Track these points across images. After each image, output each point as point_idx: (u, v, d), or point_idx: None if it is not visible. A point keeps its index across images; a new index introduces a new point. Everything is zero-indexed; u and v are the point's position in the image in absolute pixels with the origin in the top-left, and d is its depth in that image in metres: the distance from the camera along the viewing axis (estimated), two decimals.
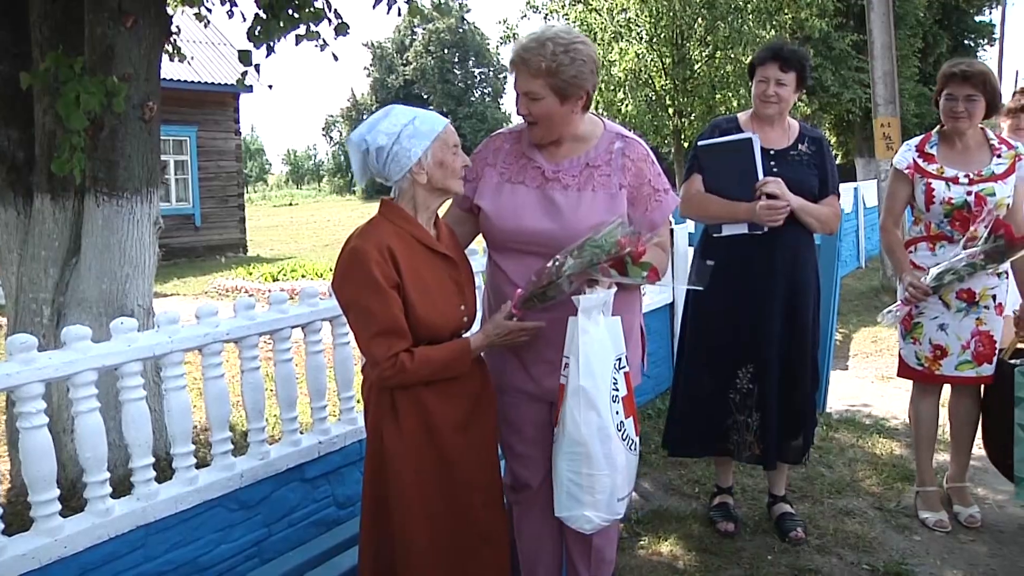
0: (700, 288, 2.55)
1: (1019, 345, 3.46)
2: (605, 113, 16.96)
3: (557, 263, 2.13)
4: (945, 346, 3.42)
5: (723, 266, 3.33)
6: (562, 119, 2.34)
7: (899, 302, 3.46)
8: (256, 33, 4.29)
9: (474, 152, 2.52)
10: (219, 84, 17.36)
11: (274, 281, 12.74)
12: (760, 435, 3.38)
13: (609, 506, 2.15)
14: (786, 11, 15.37)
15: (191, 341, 2.58)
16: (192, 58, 7.48)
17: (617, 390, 2.13)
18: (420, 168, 2.15)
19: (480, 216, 2.46)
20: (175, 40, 5.69)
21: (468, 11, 60.19)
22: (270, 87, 7.40)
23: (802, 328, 3.37)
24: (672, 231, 3.33)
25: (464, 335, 2.26)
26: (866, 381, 6.02)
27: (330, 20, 4.49)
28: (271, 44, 4.42)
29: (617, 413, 2.12)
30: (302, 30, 4.62)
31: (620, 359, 2.16)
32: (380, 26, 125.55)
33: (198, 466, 2.68)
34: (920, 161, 3.44)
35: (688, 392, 3.52)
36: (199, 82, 16.89)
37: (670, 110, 16.13)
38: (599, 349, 2.09)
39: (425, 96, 53.17)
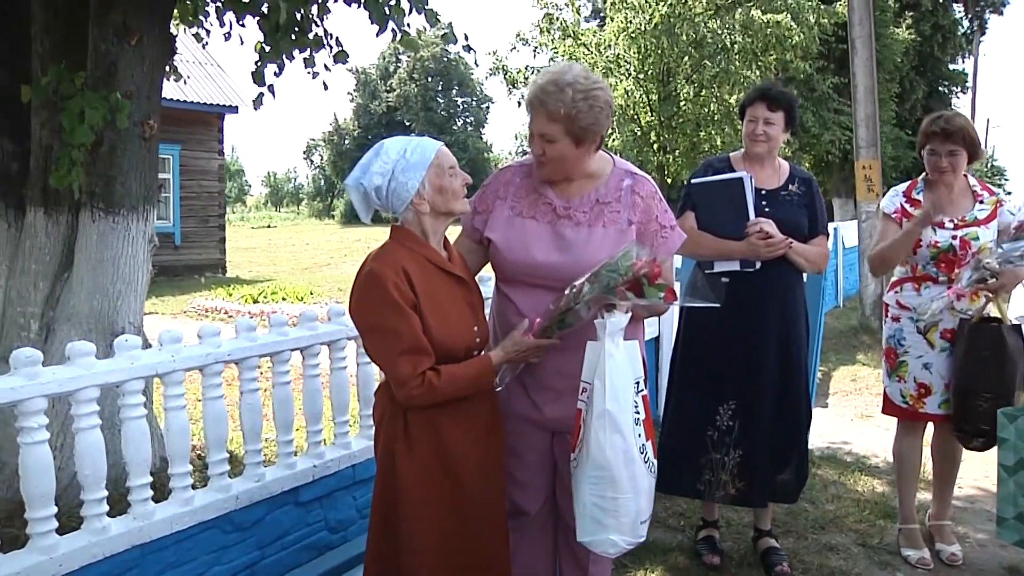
0: (717, 305, 2.45)
1: (988, 312, 3.48)
2: None
3: (574, 289, 2.17)
4: (929, 384, 3.49)
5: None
6: (574, 161, 2.38)
7: (943, 295, 3.42)
8: (265, 51, 4.32)
9: (484, 184, 2.56)
10: (205, 104, 17.34)
11: (254, 303, 12.67)
12: (738, 473, 3.38)
13: (633, 529, 2.16)
14: (771, 52, 15.67)
15: (193, 360, 2.59)
16: (189, 77, 7.49)
17: (639, 413, 2.15)
18: (420, 199, 2.19)
19: (490, 248, 2.49)
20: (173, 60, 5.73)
21: (454, 41, 60.48)
22: (256, 106, 7.46)
23: (796, 362, 3.42)
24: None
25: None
26: (846, 419, 6.09)
27: (331, 47, 4.54)
28: (280, 63, 4.44)
29: (639, 436, 2.13)
30: (306, 54, 4.67)
31: (639, 382, 2.19)
32: (364, 52, 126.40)
33: (193, 486, 2.68)
34: (908, 207, 3.54)
35: (670, 429, 3.53)
36: (185, 101, 16.85)
37: (655, 146, 16.33)
38: (622, 373, 2.12)
39: (407, 124, 53.34)
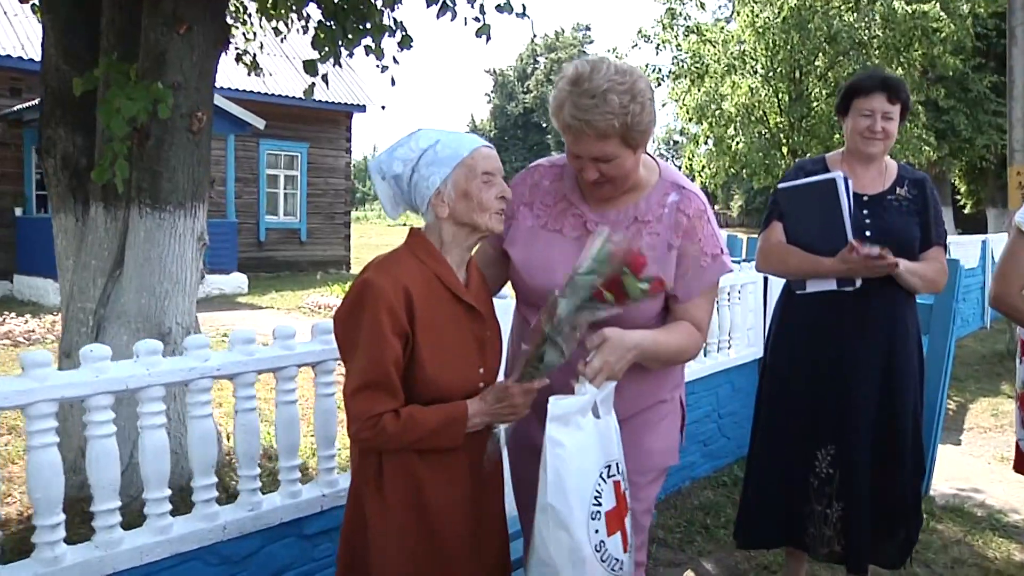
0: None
1: None
2: (715, 150, 16.35)
3: (546, 314, 1.75)
4: None
5: (807, 328, 2.89)
6: (635, 169, 2.00)
7: None
8: (321, 39, 4.10)
9: (510, 184, 2.17)
10: (332, 103, 17.73)
11: None
12: (842, 530, 2.86)
13: None
14: (917, 47, 14.35)
15: (172, 375, 2.31)
16: (272, 73, 7.40)
17: (600, 504, 1.76)
18: (440, 200, 1.84)
19: (510, 265, 2.13)
20: (254, 54, 5.63)
21: (591, 42, 60.35)
22: (383, 107, 7.41)
23: (901, 403, 2.87)
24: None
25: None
26: (981, 461, 5.28)
27: (393, 33, 4.25)
28: (338, 54, 4.21)
29: (597, 532, 1.75)
30: (369, 42, 4.42)
31: (611, 466, 1.80)
32: (503, 54, 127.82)
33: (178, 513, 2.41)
34: None
35: (761, 473, 3.05)
36: (313, 99, 17.21)
37: (784, 149, 15.37)
38: (577, 462, 1.75)
39: (544, 125, 53.47)
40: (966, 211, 26.04)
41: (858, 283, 2.77)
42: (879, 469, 2.86)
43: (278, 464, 2.67)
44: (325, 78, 4.55)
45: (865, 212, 2.77)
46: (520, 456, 2.17)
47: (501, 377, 2.06)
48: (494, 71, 59.34)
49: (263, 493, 2.60)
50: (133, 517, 2.45)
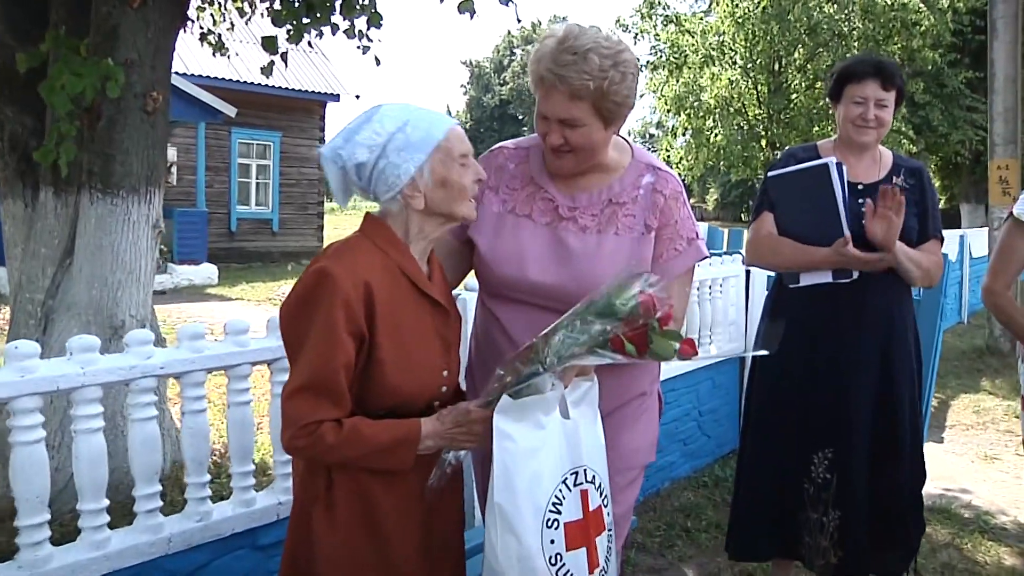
0: (767, 352, 1.95)
1: None
2: (693, 141, 16.22)
3: (541, 343, 1.56)
4: None
5: (801, 324, 2.72)
6: (603, 146, 1.86)
7: None
8: (283, 14, 3.87)
9: None
10: (306, 92, 17.41)
11: None
12: (839, 540, 2.69)
13: None
14: (896, 40, 14.30)
15: (110, 375, 2.10)
16: (238, 54, 7.13)
17: (559, 512, 1.57)
18: (414, 190, 1.62)
19: (475, 254, 1.95)
20: (219, 34, 5.39)
21: None
22: (357, 97, 7.17)
23: (898, 402, 2.71)
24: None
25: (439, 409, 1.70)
26: (965, 459, 5.17)
27: (364, 11, 4.03)
28: (302, 33, 3.99)
29: (553, 542, 1.57)
30: (343, 24, 4.21)
31: (578, 473, 1.62)
32: (479, 45, 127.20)
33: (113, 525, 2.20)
34: None
35: (753, 478, 2.88)
36: (286, 88, 16.91)
37: (763, 141, 15.29)
38: (533, 461, 1.56)
39: (520, 117, 53.26)
40: (940, 206, 26.21)
41: (855, 275, 2.61)
42: (877, 472, 2.71)
43: (232, 470, 2.47)
44: (284, 57, 4.32)
45: (860, 202, 2.61)
46: (486, 470, 2.00)
47: (462, 382, 1.88)
48: (470, 62, 58.98)
49: (214, 501, 2.40)
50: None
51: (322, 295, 1.55)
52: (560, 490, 1.59)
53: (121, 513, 2.49)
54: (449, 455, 1.64)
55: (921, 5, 13.74)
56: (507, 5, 4.10)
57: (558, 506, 1.58)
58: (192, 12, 5.20)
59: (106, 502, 2.15)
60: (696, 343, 1.65)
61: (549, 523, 1.57)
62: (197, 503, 2.34)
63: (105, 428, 2.16)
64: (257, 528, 2.46)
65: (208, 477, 2.37)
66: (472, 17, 3.98)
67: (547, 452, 1.59)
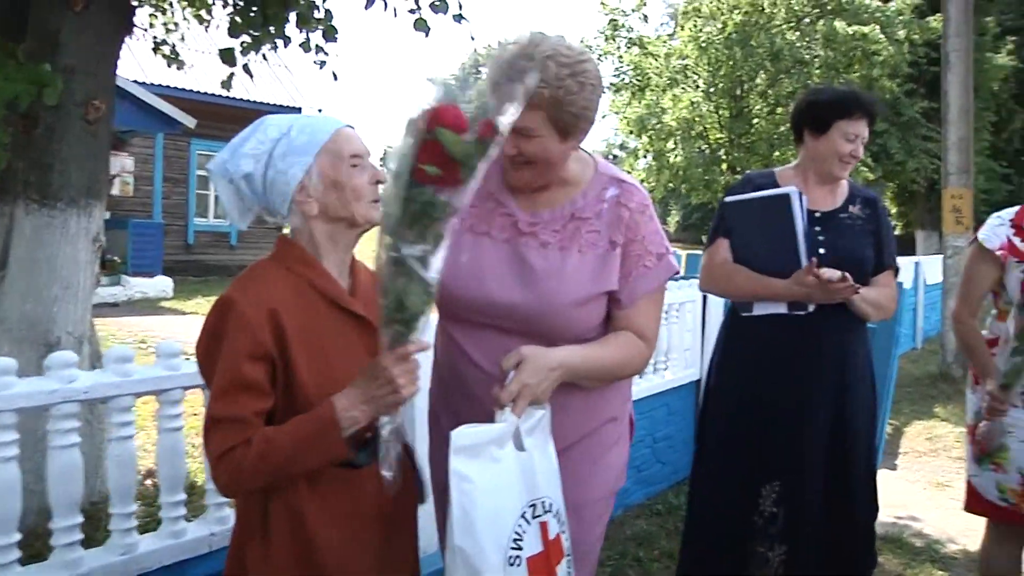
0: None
1: None
2: (655, 163, 16.33)
3: (378, 237, 1.48)
4: None
5: (754, 354, 2.67)
6: (558, 161, 1.78)
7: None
8: (238, 24, 3.77)
9: None
10: (267, 104, 17.16)
11: None
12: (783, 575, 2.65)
13: None
14: (856, 68, 14.57)
15: (28, 399, 1.97)
16: (192, 66, 7.00)
17: (520, 548, 1.51)
18: (305, 196, 1.56)
19: None
20: (173, 45, 5.26)
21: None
22: (320, 111, 7.03)
23: (854, 437, 2.67)
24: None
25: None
26: (917, 487, 5.18)
27: (319, 24, 3.95)
28: (258, 45, 3.89)
29: None
30: (302, 36, 4.12)
31: (536, 505, 1.55)
32: (445, 63, 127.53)
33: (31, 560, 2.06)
34: (1019, 241, 2.69)
35: (703, 508, 2.81)
36: (248, 100, 16.70)
37: (723, 165, 15.43)
38: (491, 499, 1.49)
39: None
40: (896, 232, 26.74)
41: (811, 307, 2.56)
42: (829, 506, 2.66)
43: (159, 500, 2.34)
44: (247, 68, 4.21)
45: (817, 229, 2.58)
46: (443, 495, 1.91)
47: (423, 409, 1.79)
48: (435, 80, 59.21)
49: (141, 533, 2.28)
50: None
51: (226, 326, 1.49)
52: (520, 525, 1.53)
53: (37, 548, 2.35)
54: (384, 430, 1.52)
55: (881, 35, 14.04)
56: (459, 22, 4.05)
57: (519, 542, 1.52)
58: (144, 20, 5.08)
59: (17, 536, 2.02)
60: (495, 127, 1.52)
61: (511, 561, 1.50)
62: (121, 535, 2.21)
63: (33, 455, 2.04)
64: (187, 560, 2.33)
65: (134, 507, 2.24)
66: (427, 35, 3.93)
67: (505, 488, 1.52)
